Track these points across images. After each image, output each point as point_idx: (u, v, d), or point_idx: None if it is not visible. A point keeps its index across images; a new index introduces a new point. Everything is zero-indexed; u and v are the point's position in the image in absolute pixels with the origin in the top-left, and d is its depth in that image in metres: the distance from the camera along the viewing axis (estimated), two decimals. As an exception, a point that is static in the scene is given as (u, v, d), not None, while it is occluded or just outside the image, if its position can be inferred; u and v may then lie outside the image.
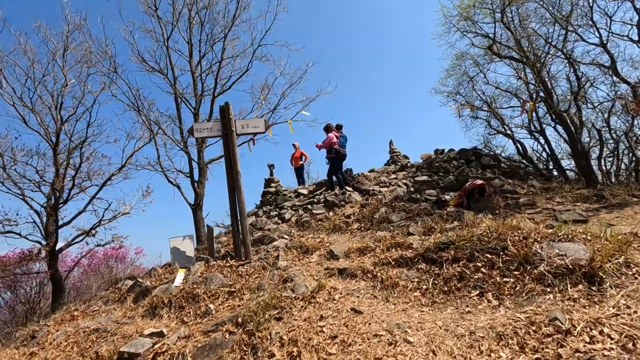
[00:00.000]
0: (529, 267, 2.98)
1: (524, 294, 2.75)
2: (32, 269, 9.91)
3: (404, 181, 8.36)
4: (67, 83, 7.83)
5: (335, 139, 8.51)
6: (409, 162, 13.17)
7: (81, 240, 9.09)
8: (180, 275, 4.87)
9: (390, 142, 14.74)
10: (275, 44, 9.20)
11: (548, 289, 2.72)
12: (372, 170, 11.91)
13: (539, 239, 3.31)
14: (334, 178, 8.62)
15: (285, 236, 6.12)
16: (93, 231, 9.86)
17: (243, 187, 5.44)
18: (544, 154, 9.46)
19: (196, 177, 8.45)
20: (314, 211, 7.13)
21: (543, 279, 2.81)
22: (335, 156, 8.46)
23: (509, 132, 9.48)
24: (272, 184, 11.70)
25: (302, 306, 3.38)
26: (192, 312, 4.02)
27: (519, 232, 3.50)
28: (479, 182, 4.94)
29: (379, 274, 3.58)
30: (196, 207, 7.89)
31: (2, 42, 13.65)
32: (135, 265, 13.45)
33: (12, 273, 8.72)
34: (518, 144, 9.29)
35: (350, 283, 3.66)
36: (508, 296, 2.79)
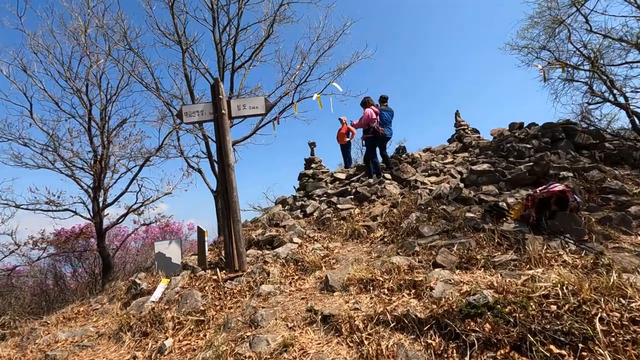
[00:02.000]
0: (636, 398, 1.49)
1: None
2: (92, 245, 10.64)
3: (459, 168, 6.56)
4: (92, 65, 7.65)
5: (373, 115, 7.01)
6: (478, 137, 10.94)
7: (122, 221, 9.32)
8: (160, 287, 4.24)
9: (457, 114, 12.39)
10: (299, 1, 7.76)
11: None
12: (427, 150, 10.05)
13: (663, 330, 1.73)
14: (372, 163, 7.21)
15: (296, 239, 5.12)
16: (138, 210, 10.12)
17: (235, 182, 4.51)
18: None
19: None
20: (338, 206, 5.93)
21: None
22: (373, 136, 7.00)
23: (621, 99, 6.83)
24: (313, 165, 10.65)
25: (249, 379, 2.38)
26: (149, 345, 3.32)
27: (621, 302, 1.93)
28: (558, 187, 3.19)
29: (367, 342, 2.36)
30: (217, 195, 7.27)
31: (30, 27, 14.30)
32: (188, 241, 13.91)
33: (63, 251, 9.36)
34: (634, 116, 6.65)
35: (328, 346, 2.52)
36: None
